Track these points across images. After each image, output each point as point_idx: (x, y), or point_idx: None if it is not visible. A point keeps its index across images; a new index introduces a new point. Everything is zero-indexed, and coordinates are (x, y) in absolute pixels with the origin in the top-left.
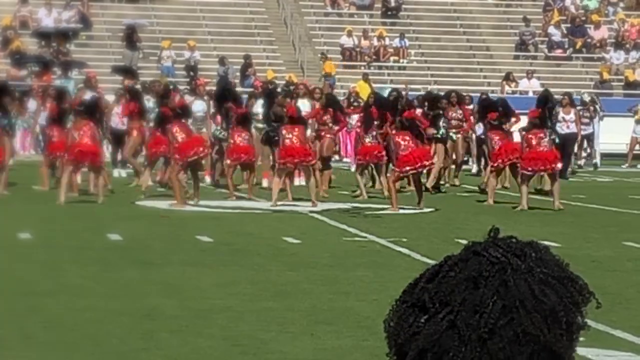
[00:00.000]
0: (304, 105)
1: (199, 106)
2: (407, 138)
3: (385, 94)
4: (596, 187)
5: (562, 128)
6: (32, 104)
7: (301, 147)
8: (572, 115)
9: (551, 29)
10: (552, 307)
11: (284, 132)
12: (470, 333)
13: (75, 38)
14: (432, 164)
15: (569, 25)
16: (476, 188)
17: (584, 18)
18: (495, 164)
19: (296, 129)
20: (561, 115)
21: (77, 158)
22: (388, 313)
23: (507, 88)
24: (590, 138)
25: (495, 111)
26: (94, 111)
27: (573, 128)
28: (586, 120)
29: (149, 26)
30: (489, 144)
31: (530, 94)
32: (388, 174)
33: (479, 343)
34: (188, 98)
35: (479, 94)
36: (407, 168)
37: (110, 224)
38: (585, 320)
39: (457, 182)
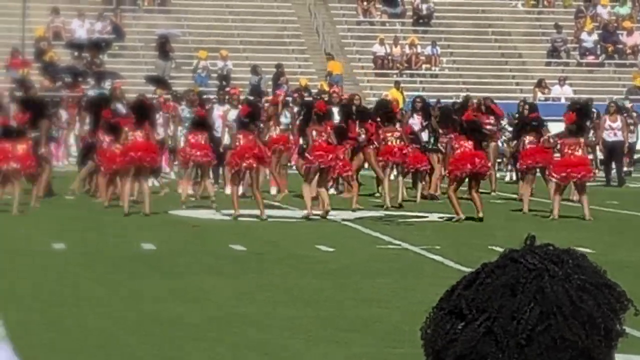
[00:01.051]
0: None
1: (233, 115)
2: (464, 143)
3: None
4: (629, 193)
5: (609, 136)
6: (62, 115)
7: (332, 148)
8: (619, 123)
9: (583, 36)
10: (590, 313)
11: (314, 133)
12: (508, 339)
13: (108, 49)
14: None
15: (600, 31)
16: (510, 195)
17: (616, 24)
18: (523, 166)
19: (328, 128)
20: (608, 123)
21: (134, 161)
22: (425, 320)
23: (539, 95)
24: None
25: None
26: (145, 113)
27: (620, 136)
28: (632, 128)
29: (182, 36)
30: (520, 145)
31: (563, 101)
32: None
33: (517, 349)
34: (221, 107)
35: (509, 101)
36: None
37: (144, 233)
38: (624, 327)
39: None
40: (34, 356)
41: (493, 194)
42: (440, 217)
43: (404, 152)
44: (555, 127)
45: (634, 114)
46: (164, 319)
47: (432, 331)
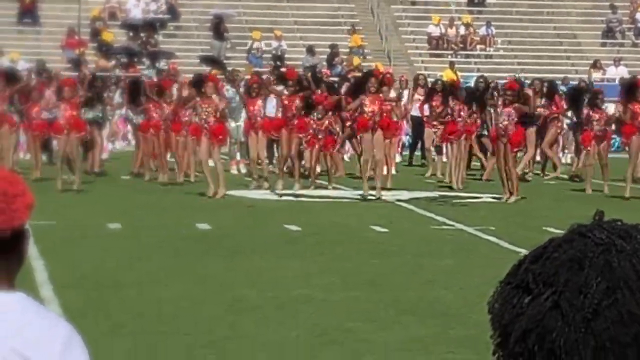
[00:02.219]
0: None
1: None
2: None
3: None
4: None
5: None
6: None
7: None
8: None
9: (638, 16)
10: None
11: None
12: (574, 314)
13: (163, 29)
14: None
15: None
16: (563, 176)
17: None
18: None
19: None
20: None
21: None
22: (492, 295)
23: (594, 75)
24: None
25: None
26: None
27: None
28: None
29: (236, 16)
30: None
31: (617, 82)
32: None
33: (583, 324)
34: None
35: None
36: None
37: (199, 213)
38: None
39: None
40: (93, 339)
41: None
42: (494, 198)
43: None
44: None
45: None
46: (224, 300)
47: (500, 305)
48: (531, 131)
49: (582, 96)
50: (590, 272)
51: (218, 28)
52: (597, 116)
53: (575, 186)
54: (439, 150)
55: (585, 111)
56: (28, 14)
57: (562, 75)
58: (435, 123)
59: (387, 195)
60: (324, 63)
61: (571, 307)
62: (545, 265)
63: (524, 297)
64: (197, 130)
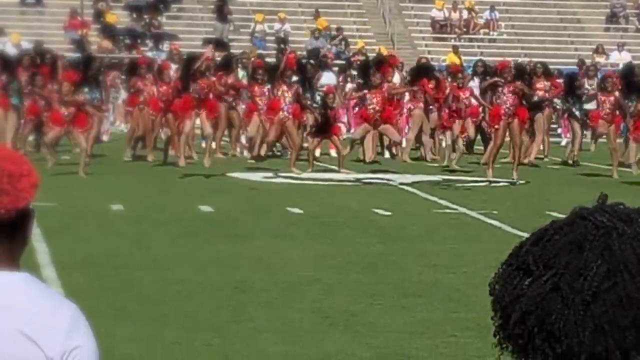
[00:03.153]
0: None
1: (328, 79)
2: None
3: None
4: None
5: None
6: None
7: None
8: None
9: None
10: None
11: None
12: (574, 296)
13: (166, 10)
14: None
15: None
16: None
17: None
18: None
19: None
20: None
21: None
22: (493, 276)
23: (597, 60)
24: None
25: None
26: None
27: None
28: None
29: None
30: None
31: (621, 67)
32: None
33: (582, 306)
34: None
35: (567, 67)
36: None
37: (201, 196)
38: None
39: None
40: (96, 321)
41: (546, 159)
42: (497, 182)
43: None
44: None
45: None
46: (228, 283)
47: (500, 287)
48: (539, 116)
49: (577, 81)
50: (590, 254)
51: (221, 10)
52: (605, 99)
53: (579, 170)
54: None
55: (596, 95)
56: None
57: (565, 60)
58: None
59: (391, 178)
60: (329, 46)
61: (571, 290)
62: (546, 248)
63: (525, 279)
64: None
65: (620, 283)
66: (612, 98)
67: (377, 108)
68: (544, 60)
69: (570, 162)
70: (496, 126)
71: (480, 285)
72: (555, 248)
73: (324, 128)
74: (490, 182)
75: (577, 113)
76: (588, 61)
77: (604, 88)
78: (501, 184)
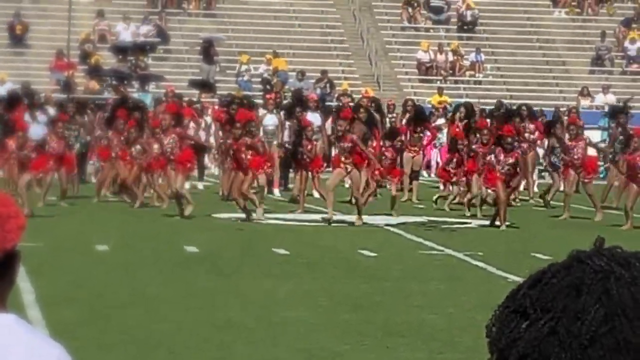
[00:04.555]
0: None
1: (269, 120)
2: None
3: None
4: None
5: None
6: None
7: None
8: None
9: (627, 44)
10: None
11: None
12: (571, 340)
13: (152, 52)
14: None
15: None
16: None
17: None
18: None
19: None
20: None
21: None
22: (490, 318)
23: (582, 103)
24: None
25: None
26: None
27: None
28: None
29: (226, 40)
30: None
31: (606, 109)
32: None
33: (580, 350)
34: (262, 111)
35: (552, 109)
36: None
37: (187, 235)
38: None
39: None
40: (79, 358)
41: (531, 201)
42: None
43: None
44: (596, 135)
45: None
46: (214, 321)
47: (497, 329)
48: (524, 158)
49: (556, 124)
50: (588, 298)
51: (208, 52)
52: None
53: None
54: (415, 176)
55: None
56: (18, 40)
57: (551, 102)
58: (414, 148)
59: (376, 219)
60: (317, 87)
61: (568, 334)
62: (543, 291)
63: (522, 322)
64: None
65: (617, 327)
66: (581, 143)
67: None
68: (529, 103)
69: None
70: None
71: (465, 326)
72: (552, 291)
73: (298, 161)
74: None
75: (555, 159)
76: (573, 103)
77: (572, 134)
78: (486, 225)
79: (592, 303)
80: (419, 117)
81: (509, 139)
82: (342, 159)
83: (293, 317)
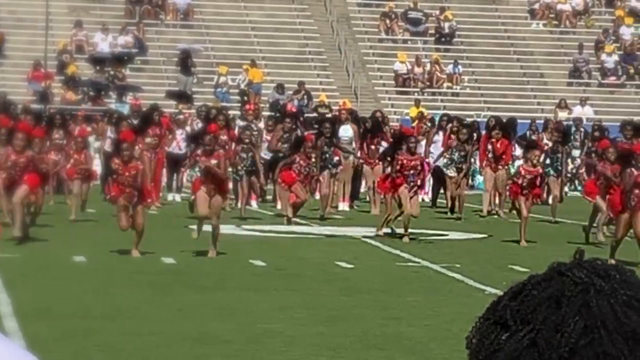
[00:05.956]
0: (346, 132)
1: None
2: None
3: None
4: None
5: None
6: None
7: None
8: None
9: (604, 56)
10: (634, 329)
11: None
12: (551, 352)
13: (130, 63)
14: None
15: (622, 52)
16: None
17: (639, 45)
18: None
19: None
20: None
21: None
22: (470, 330)
23: (560, 115)
24: None
25: None
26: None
27: None
28: None
29: (204, 51)
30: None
31: (584, 122)
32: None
33: None
34: (240, 123)
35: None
36: None
37: (164, 248)
38: None
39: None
40: None
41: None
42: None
43: None
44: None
45: None
46: (191, 334)
47: (477, 341)
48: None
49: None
50: (567, 311)
51: (185, 63)
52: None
53: (542, 225)
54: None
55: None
56: None
57: (528, 115)
58: (372, 161)
59: (353, 231)
60: (295, 99)
61: (548, 346)
62: (523, 303)
63: (502, 334)
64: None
65: (597, 340)
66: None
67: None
68: (506, 115)
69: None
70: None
71: (442, 339)
72: (533, 303)
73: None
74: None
75: None
76: (550, 115)
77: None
78: (464, 237)
79: (572, 315)
80: (375, 129)
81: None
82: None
83: (270, 329)
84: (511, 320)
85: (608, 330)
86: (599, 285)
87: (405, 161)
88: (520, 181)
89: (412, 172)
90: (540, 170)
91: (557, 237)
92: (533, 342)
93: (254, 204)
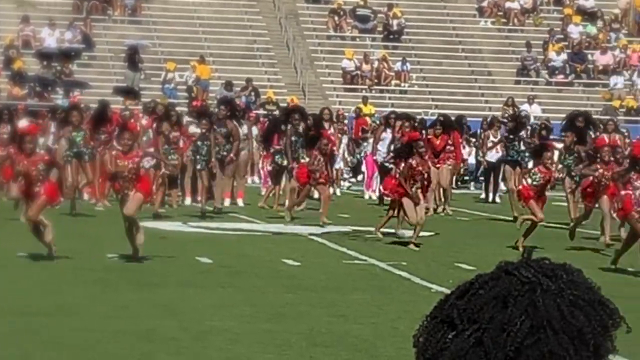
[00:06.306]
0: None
1: (195, 128)
2: None
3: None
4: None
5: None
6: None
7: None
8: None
9: (552, 55)
10: (580, 329)
11: None
12: (497, 351)
13: (77, 58)
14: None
15: (570, 51)
16: (474, 213)
17: (586, 44)
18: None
19: None
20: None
21: None
22: (418, 328)
23: (507, 113)
24: None
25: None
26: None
27: None
28: None
29: (151, 47)
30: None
31: (532, 120)
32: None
33: None
34: (188, 119)
35: (480, 119)
36: None
37: (110, 244)
38: (614, 344)
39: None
40: None
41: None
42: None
43: None
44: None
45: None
46: (136, 331)
47: (424, 339)
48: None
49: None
50: (514, 310)
51: (133, 58)
52: None
53: (487, 222)
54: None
55: None
56: None
57: (476, 112)
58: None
59: (300, 229)
60: (242, 95)
61: (494, 345)
62: (470, 302)
63: (449, 332)
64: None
65: (543, 339)
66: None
67: None
68: (455, 113)
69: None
70: None
71: (388, 336)
72: (479, 302)
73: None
74: None
75: None
76: (498, 114)
77: None
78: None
79: (518, 315)
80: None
81: None
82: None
83: (216, 326)
84: (458, 319)
85: (554, 329)
86: (546, 285)
87: (415, 166)
88: (530, 181)
89: (419, 177)
90: (555, 174)
91: (503, 235)
92: (479, 341)
93: (240, 202)
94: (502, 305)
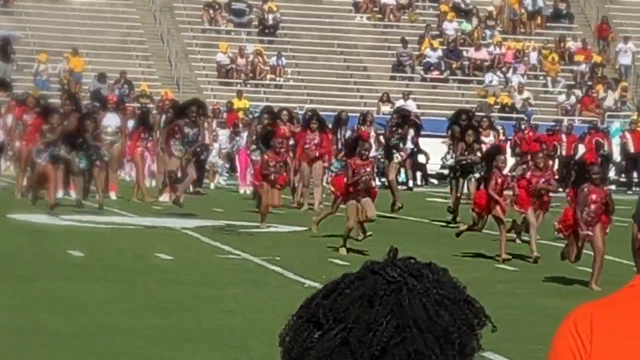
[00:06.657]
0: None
1: (111, 120)
2: None
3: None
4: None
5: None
6: None
7: None
8: (491, 138)
9: (427, 51)
10: (446, 328)
11: None
12: (363, 351)
13: None
14: None
15: (445, 47)
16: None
17: (462, 40)
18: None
19: None
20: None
21: None
22: (284, 327)
23: (382, 109)
24: None
25: None
26: None
27: None
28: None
29: (24, 38)
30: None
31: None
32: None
33: None
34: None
35: (357, 115)
36: None
37: None
38: (480, 343)
39: None
40: None
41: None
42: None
43: None
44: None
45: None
46: (23, 327)
47: (290, 338)
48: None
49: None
50: (380, 310)
51: (4, 49)
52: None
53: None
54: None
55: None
56: None
57: (352, 108)
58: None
59: (172, 222)
60: (115, 88)
61: (360, 344)
62: (336, 301)
63: (314, 332)
64: None
65: (409, 339)
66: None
67: None
68: (329, 108)
69: None
70: None
71: (261, 332)
72: (345, 302)
73: None
74: None
75: None
76: (373, 109)
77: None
78: (285, 230)
79: (384, 314)
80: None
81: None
82: None
83: (105, 322)
84: (324, 319)
85: (420, 329)
86: (412, 284)
87: (356, 166)
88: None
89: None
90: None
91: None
92: (345, 341)
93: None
94: (368, 305)
